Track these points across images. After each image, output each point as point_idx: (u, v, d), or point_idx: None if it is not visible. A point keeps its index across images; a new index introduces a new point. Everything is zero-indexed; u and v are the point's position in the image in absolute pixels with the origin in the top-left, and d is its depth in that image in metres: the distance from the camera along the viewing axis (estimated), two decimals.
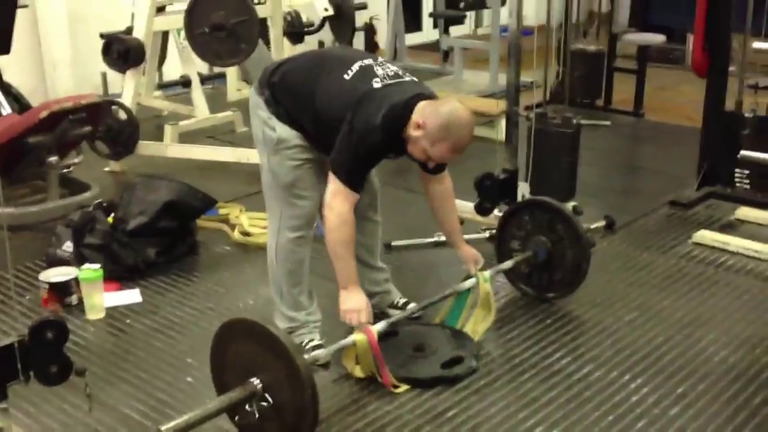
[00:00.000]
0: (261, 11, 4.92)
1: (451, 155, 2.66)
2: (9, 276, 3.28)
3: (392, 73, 2.69)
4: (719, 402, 2.68)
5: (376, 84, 2.63)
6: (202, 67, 6.33)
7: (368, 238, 3.07)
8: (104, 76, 6.26)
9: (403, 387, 2.73)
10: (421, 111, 2.61)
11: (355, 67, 2.68)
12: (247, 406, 2.28)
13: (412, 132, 2.61)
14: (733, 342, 3.03)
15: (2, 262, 3.48)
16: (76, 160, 4.42)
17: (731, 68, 4.36)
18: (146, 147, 4.99)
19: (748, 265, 3.66)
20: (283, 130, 2.74)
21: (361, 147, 2.60)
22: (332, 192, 2.63)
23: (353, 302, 2.72)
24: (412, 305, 3.00)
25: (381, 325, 2.70)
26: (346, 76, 2.66)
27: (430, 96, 2.70)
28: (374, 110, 2.57)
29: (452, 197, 2.99)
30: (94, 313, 3.24)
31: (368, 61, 2.72)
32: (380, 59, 2.82)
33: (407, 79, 2.73)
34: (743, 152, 4.05)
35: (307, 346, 2.85)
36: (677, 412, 2.62)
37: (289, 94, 2.75)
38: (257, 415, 2.28)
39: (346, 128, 2.59)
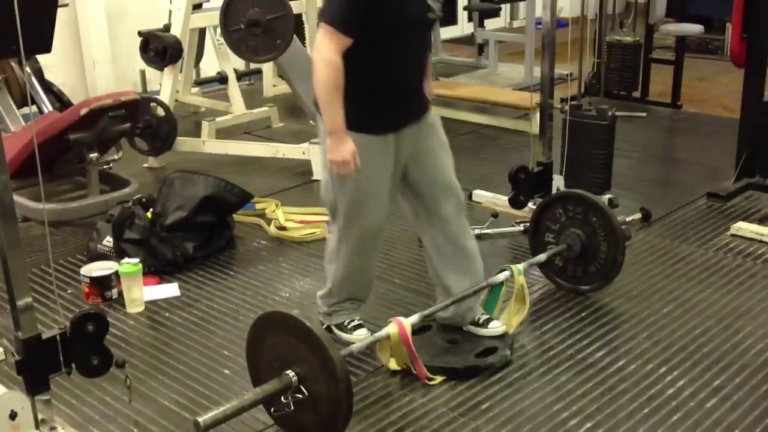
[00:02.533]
0: (296, 7, 4.95)
1: None
2: (51, 270, 3.36)
3: None
4: (756, 395, 2.65)
5: None
6: (239, 63, 6.38)
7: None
8: (143, 73, 6.34)
9: (438, 379, 2.74)
10: None
11: None
12: (282, 398, 2.31)
13: None
14: None
15: (44, 257, 3.60)
16: (115, 157, 4.50)
17: None
18: (184, 143, 5.06)
19: None
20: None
21: None
22: (321, 33, 2.52)
23: (341, 151, 2.59)
24: (494, 323, 2.96)
25: (414, 318, 2.71)
26: None
27: None
28: None
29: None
30: (134, 307, 3.30)
31: None
32: None
33: None
34: None
35: (349, 326, 2.92)
36: (713, 404, 2.60)
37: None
38: (293, 407, 2.31)
39: None
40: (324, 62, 2.52)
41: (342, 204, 2.75)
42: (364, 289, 2.98)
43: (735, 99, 5.41)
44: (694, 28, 6.29)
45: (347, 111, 2.58)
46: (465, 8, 7.97)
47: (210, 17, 5.31)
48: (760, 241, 3.74)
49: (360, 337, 2.87)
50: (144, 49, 5.02)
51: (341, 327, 2.95)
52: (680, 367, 2.81)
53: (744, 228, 3.82)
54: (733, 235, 3.82)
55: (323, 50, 2.51)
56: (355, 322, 2.96)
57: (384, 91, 2.69)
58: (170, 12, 5.75)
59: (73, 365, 2.40)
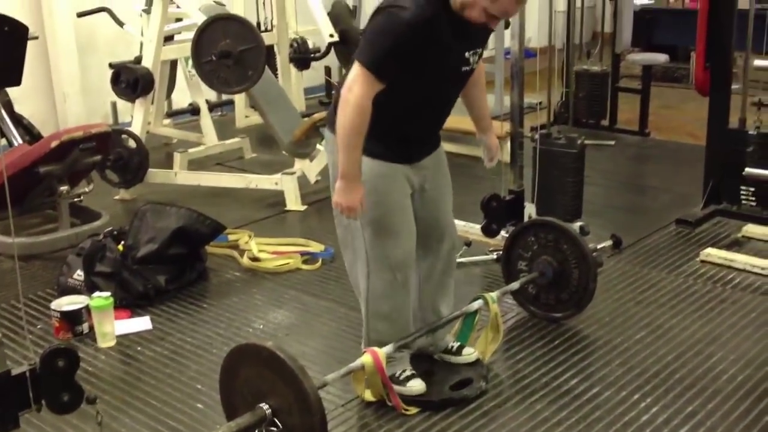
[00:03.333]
0: (267, 38, 4.99)
1: (517, 6, 2.51)
2: (20, 305, 3.31)
3: None
4: (729, 420, 2.67)
5: None
6: (211, 95, 6.39)
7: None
8: (114, 105, 6.35)
9: (413, 410, 2.73)
10: None
11: None
12: (257, 431, 2.30)
13: None
14: (742, 360, 3.03)
15: (14, 292, 3.56)
16: (86, 189, 4.49)
17: (734, 86, 4.39)
18: (156, 175, 5.05)
19: (756, 282, 3.66)
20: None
21: (390, 23, 2.40)
22: (354, 76, 2.45)
23: (351, 197, 2.53)
24: (468, 350, 2.96)
25: (388, 348, 2.70)
26: None
27: None
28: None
29: (483, 82, 2.95)
30: (106, 341, 3.27)
31: None
32: None
33: None
34: (748, 169, 4.06)
35: (401, 377, 2.80)
36: (687, 430, 2.62)
37: None
38: None
39: (371, 16, 2.48)
40: (354, 106, 2.45)
41: (368, 239, 2.65)
42: (406, 330, 2.81)
43: (701, 126, 5.49)
44: (660, 58, 6.41)
45: (369, 143, 2.53)
46: None
47: (181, 49, 5.33)
48: (729, 267, 3.79)
49: (416, 388, 2.77)
50: (115, 81, 5.02)
51: (393, 379, 2.76)
52: (654, 394, 2.82)
53: (713, 254, 3.88)
54: (702, 261, 3.87)
55: (357, 94, 2.44)
56: (408, 372, 2.81)
57: (408, 132, 2.67)
58: (141, 44, 5.77)
59: (43, 402, 2.37)
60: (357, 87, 2.44)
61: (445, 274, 2.88)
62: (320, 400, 2.23)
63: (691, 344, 3.15)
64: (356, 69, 2.46)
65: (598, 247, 3.85)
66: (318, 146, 4.98)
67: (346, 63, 5.47)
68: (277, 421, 2.29)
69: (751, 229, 4.15)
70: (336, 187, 2.55)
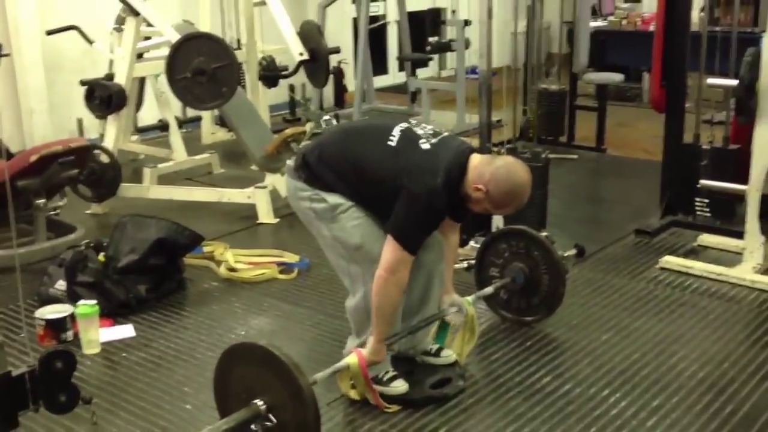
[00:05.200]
0: (237, 56, 5.09)
1: (515, 211, 2.85)
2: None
3: (432, 132, 2.76)
4: (692, 413, 2.85)
5: (424, 145, 2.68)
6: (178, 111, 6.47)
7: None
8: (80, 121, 6.38)
9: (395, 407, 2.86)
10: (479, 171, 2.66)
11: (396, 132, 2.73)
12: (252, 427, 2.40)
13: (473, 193, 2.67)
14: (702, 358, 3.22)
15: None
16: (60, 203, 4.53)
17: (686, 104, 4.63)
18: (128, 189, 5.11)
19: (712, 287, 3.87)
20: (333, 197, 2.76)
21: (427, 212, 2.64)
22: (397, 260, 2.63)
23: (381, 356, 2.81)
24: (446, 352, 3.10)
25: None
26: (390, 143, 2.71)
27: (472, 149, 2.77)
28: (432, 174, 2.61)
29: (457, 248, 3.16)
30: (91, 348, 3.33)
31: (405, 124, 2.79)
32: (411, 120, 2.89)
33: (445, 133, 2.80)
34: (703, 181, 4.28)
35: (385, 378, 2.91)
36: (654, 422, 2.78)
37: (331, 169, 2.76)
38: None
39: (407, 194, 2.61)
40: (398, 287, 2.68)
41: (365, 246, 2.77)
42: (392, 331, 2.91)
43: (654, 143, 5.76)
44: (615, 77, 6.66)
45: (350, 189, 2.76)
46: (398, 58, 8.26)
47: (152, 66, 5.41)
48: (687, 274, 4.00)
49: (400, 388, 2.90)
50: (89, 97, 5.07)
51: (377, 380, 2.89)
52: (621, 390, 2.99)
53: (671, 261, 4.08)
54: (661, 268, 4.07)
55: (400, 276, 2.66)
56: (391, 374, 2.93)
57: None
58: (111, 61, 5.84)
59: (41, 402, 2.44)
60: (401, 270, 2.66)
61: (428, 282, 3.01)
62: (314, 394, 2.35)
63: (655, 344, 3.33)
64: (397, 249, 2.64)
65: (564, 255, 4.02)
66: (288, 162, 5.08)
67: (315, 81, 5.60)
68: (271, 416, 2.39)
69: (706, 239, 4.37)
70: (372, 349, 2.77)
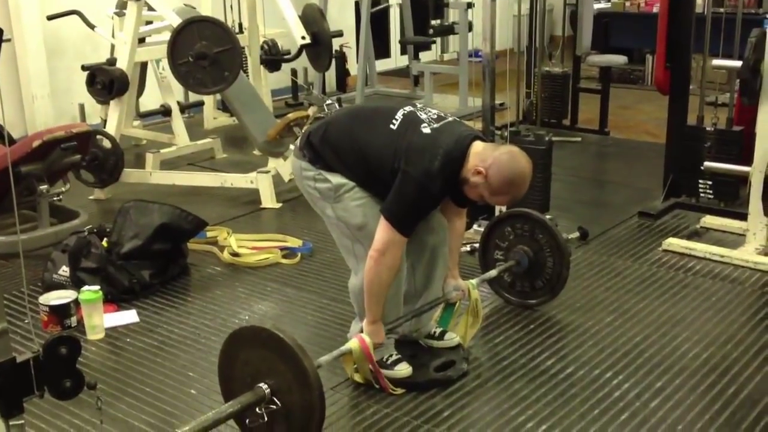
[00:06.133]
0: (239, 40, 5.07)
1: (509, 203, 2.80)
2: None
3: (435, 116, 2.75)
4: (695, 394, 2.85)
5: (425, 129, 2.66)
6: (180, 96, 6.46)
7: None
8: (82, 107, 6.37)
9: (400, 390, 2.87)
10: (480, 156, 2.65)
11: (399, 115, 2.73)
12: (257, 410, 2.41)
13: (471, 177, 2.65)
14: (705, 339, 3.22)
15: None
16: (63, 189, 4.53)
17: (691, 86, 4.61)
18: (130, 174, 5.11)
19: (715, 269, 3.87)
20: (337, 178, 2.76)
21: (421, 195, 2.63)
22: (387, 241, 2.63)
23: (380, 337, 2.80)
24: (449, 335, 3.10)
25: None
26: (392, 126, 2.70)
27: (477, 135, 2.75)
28: (430, 157, 2.60)
29: (463, 233, 3.14)
30: (95, 334, 3.34)
31: (409, 108, 2.78)
32: (417, 104, 2.88)
33: (450, 119, 2.77)
34: (706, 163, 4.27)
35: (389, 361, 2.93)
36: (657, 404, 2.79)
37: (334, 150, 2.76)
38: (266, 419, 2.40)
39: (402, 177, 2.61)
40: (388, 268, 2.67)
41: (368, 225, 2.75)
42: (397, 314, 2.94)
43: (657, 125, 5.75)
44: (619, 59, 6.64)
45: (349, 172, 2.76)
46: (400, 41, 8.23)
47: (154, 51, 5.40)
48: (690, 255, 4.00)
49: (403, 371, 2.90)
50: (91, 82, 5.06)
51: (381, 363, 2.89)
52: (625, 372, 3.00)
53: (674, 243, 4.08)
54: (664, 251, 4.07)
55: (390, 258, 2.65)
56: (395, 357, 2.94)
57: None
58: (112, 46, 5.83)
59: (45, 388, 2.45)
60: (393, 251, 2.65)
61: (431, 266, 3.01)
62: (319, 377, 2.36)
63: (658, 326, 3.33)
64: (389, 230, 2.63)
65: (568, 237, 4.02)
66: (291, 146, 5.08)
67: (317, 65, 5.58)
68: (276, 399, 2.40)
69: (709, 220, 4.37)
70: (368, 330, 2.79)
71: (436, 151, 2.61)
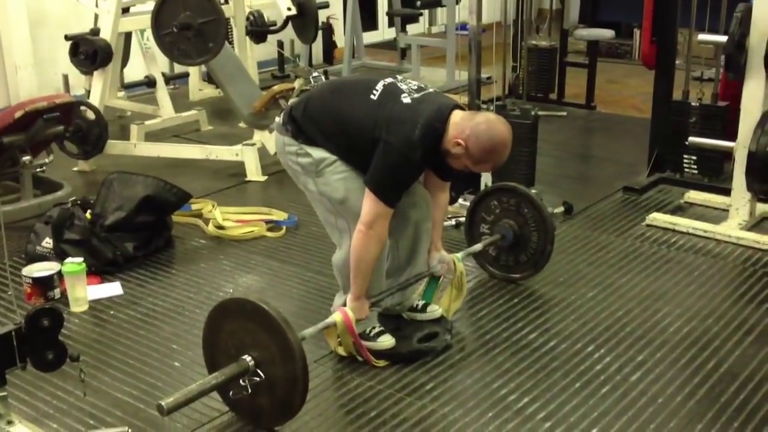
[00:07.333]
0: (224, 11, 5.02)
1: (493, 169, 2.84)
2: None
3: (416, 87, 2.75)
4: (676, 368, 2.88)
5: (405, 99, 2.67)
6: (165, 67, 6.41)
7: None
8: (66, 77, 6.29)
9: (383, 363, 2.88)
10: (460, 127, 2.65)
11: (379, 86, 2.73)
12: (240, 382, 2.42)
13: (452, 149, 2.65)
14: (686, 314, 3.25)
15: None
16: (47, 160, 4.49)
17: (677, 61, 4.61)
18: (114, 146, 5.07)
19: (698, 244, 3.90)
20: (318, 152, 2.76)
21: (403, 164, 2.64)
22: (374, 213, 2.64)
23: (363, 312, 2.82)
24: (432, 307, 3.11)
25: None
26: (373, 97, 2.70)
27: (457, 105, 2.74)
28: (410, 126, 2.60)
29: (447, 207, 3.15)
30: (78, 306, 3.33)
31: (390, 79, 2.78)
32: (398, 76, 2.88)
33: (430, 90, 2.78)
34: (691, 138, 4.28)
35: (371, 333, 2.93)
36: (638, 377, 2.82)
37: (315, 123, 2.77)
38: (250, 390, 2.41)
39: (383, 146, 2.62)
40: (377, 240, 2.69)
41: (349, 199, 2.76)
42: (380, 288, 2.95)
43: (644, 100, 5.75)
44: (606, 33, 6.62)
45: (331, 145, 2.76)
46: (387, 13, 8.18)
47: (138, 21, 5.34)
48: (674, 230, 4.02)
49: (386, 342, 2.91)
50: (74, 52, 5.01)
51: (364, 336, 2.91)
52: (606, 345, 3.02)
53: (658, 218, 4.10)
54: (648, 225, 4.09)
55: (378, 230, 2.67)
56: (378, 329, 2.95)
57: None
58: (96, 16, 5.76)
59: (28, 360, 2.44)
60: (379, 224, 2.67)
61: (415, 240, 3.02)
62: (303, 349, 2.37)
63: (640, 300, 3.36)
64: (374, 202, 2.64)
65: (553, 212, 4.04)
66: (277, 118, 5.05)
67: (303, 36, 5.54)
68: (260, 371, 2.41)
69: (693, 195, 4.39)
70: (353, 306, 2.79)
71: (416, 120, 2.62)
